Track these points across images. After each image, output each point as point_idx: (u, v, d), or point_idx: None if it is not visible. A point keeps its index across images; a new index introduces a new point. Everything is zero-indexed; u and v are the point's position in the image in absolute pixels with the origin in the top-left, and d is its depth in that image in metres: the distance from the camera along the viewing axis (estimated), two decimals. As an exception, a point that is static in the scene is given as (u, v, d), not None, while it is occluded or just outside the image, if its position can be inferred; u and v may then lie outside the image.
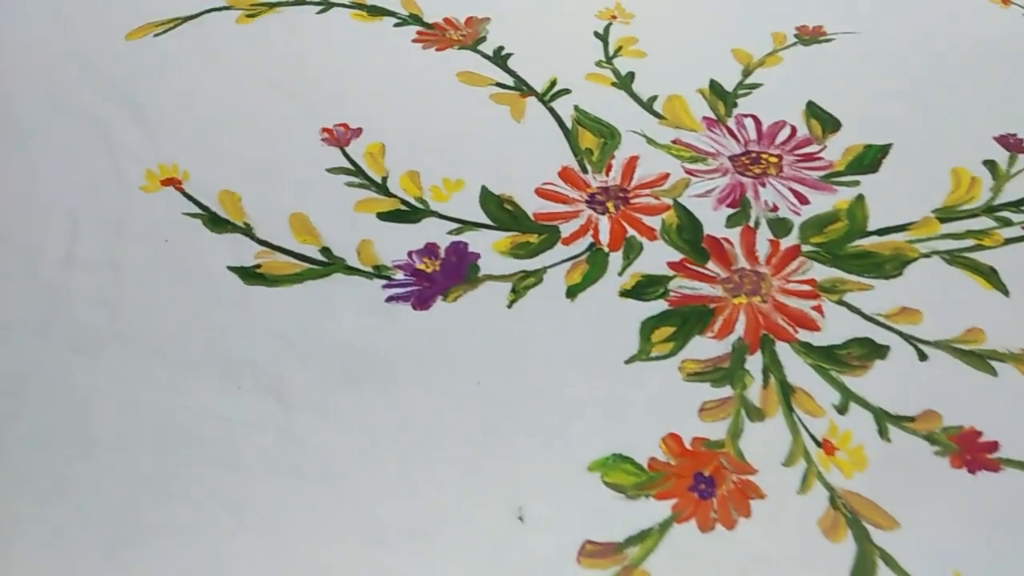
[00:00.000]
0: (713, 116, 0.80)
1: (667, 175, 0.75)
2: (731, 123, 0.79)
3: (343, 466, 0.57)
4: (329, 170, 0.74)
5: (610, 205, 0.72)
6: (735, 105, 0.81)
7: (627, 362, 0.62)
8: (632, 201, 0.73)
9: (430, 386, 0.61)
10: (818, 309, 0.65)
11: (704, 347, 0.63)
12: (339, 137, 0.77)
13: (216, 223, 0.70)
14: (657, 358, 0.62)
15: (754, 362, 0.62)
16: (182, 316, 0.64)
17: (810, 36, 0.88)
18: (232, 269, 0.67)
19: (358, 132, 0.77)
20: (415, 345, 0.63)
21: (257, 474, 0.56)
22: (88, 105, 0.79)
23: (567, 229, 0.70)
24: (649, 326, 0.64)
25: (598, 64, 0.84)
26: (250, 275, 0.67)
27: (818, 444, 0.58)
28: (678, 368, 0.61)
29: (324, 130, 0.77)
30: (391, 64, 0.85)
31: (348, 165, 0.75)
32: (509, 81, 0.83)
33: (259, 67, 0.83)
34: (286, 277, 0.67)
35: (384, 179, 0.74)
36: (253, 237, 0.69)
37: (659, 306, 0.65)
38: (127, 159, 0.75)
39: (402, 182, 0.74)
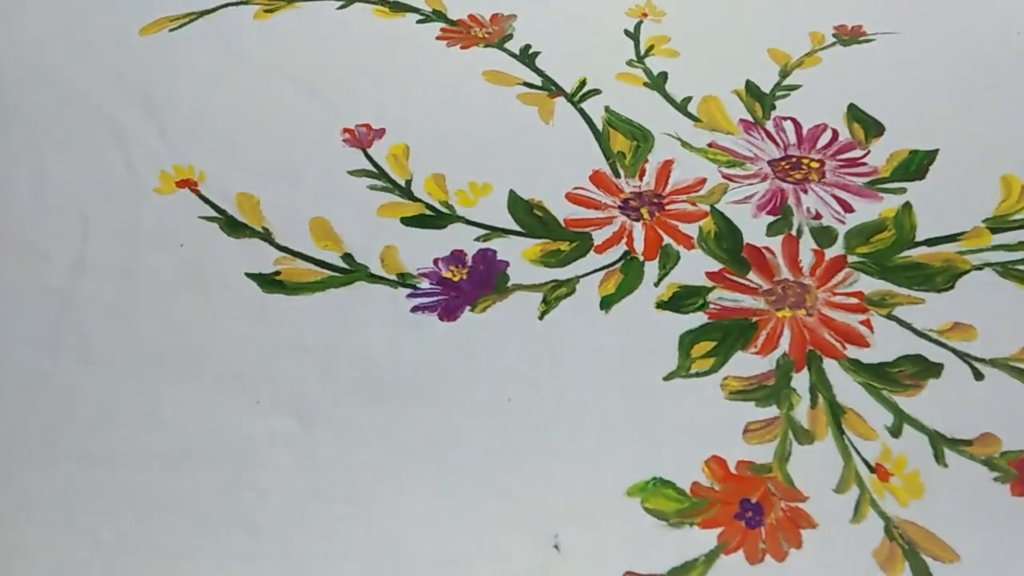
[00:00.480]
0: (750, 119, 0.76)
1: (704, 180, 0.71)
2: (769, 126, 0.75)
3: (367, 489, 0.53)
4: (351, 172, 0.71)
5: (644, 211, 0.69)
6: (773, 107, 0.77)
7: (666, 379, 0.58)
8: (667, 207, 0.69)
9: (458, 403, 0.57)
10: (867, 324, 0.61)
11: (747, 363, 0.59)
12: (361, 138, 0.74)
13: (233, 227, 0.67)
14: (697, 375, 0.59)
15: (800, 380, 0.58)
16: (198, 326, 0.61)
17: (849, 36, 0.84)
18: (250, 276, 0.64)
19: (381, 133, 0.74)
20: (442, 359, 0.60)
21: (276, 496, 0.53)
22: (100, 102, 0.75)
23: (600, 236, 0.67)
24: (688, 340, 0.61)
25: (629, 63, 0.81)
26: (269, 283, 0.64)
27: (871, 469, 0.54)
28: (720, 386, 0.58)
29: (345, 131, 0.74)
30: (414, 62, 0.81)
31: (371, 167, 0.72)
32: (537, 81, 0.79)
33: (278, 64, 0.80)
34: (307, 285, 0.64)
35: (408, 182, 0.71)
36: (272, 242, 0.66)
37: (698, 319, 0.62)
38: (141, 159, 0.71)
39: (427, 185, 0.70)
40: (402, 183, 0.70)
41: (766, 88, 0.78)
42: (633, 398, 0.58)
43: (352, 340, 0.60)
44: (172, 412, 0.56)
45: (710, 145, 0.74)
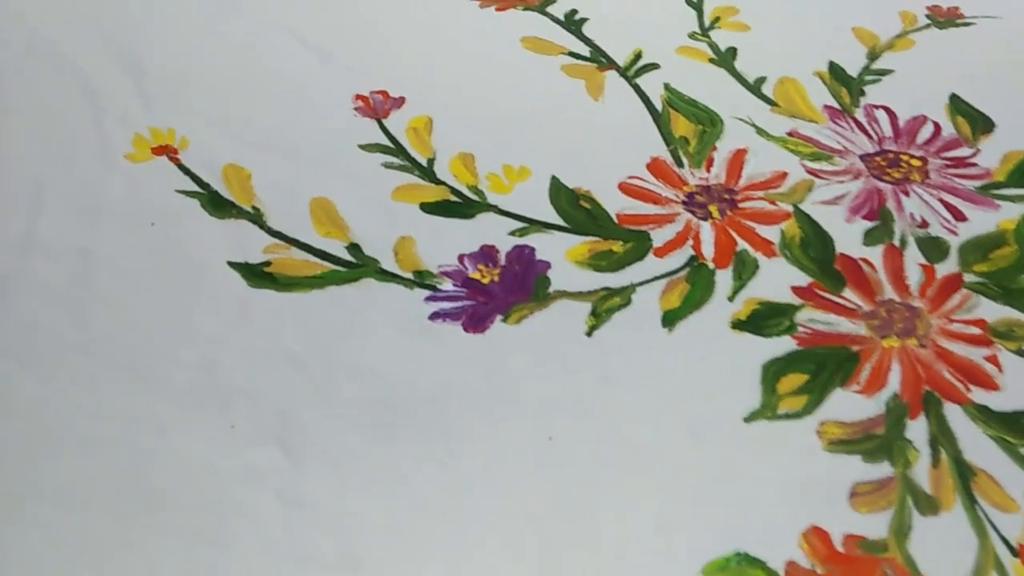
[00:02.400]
0: (836, 105, 0.64)
1: (784, 174, 0.58)
2: (859, 115, 0.63)
3: (367, 548, 0.40)
4: (363, 147, 0.58)
5: (713, 208, 0.56)
6: (862, 93, 0.64)
7: (747, 420, 0.46)
8: (741, 205, 0.57)
9: (485, 439, 0.44)
10: (992, 360, 0.49)
11: (849, 404, 0.46)
12: (376, 107, 0.61)
13: (217, 205, 0.54)
14: (787, 416, 0.46)
15: (917, 429, 0.46)
16: (166, 325, 0.48)
17: (945, 18, 0.71)
18: (234, 266, 0.51)
19: (400, 102, 0.61)
20: (466, 380, 0.47)
21: (250, 555, 0.40)
22: (69, 52, 0.62)
23: (660, 236, 0.54)
24: (773, 371, 0.48)
25: (692, 36, 0.68)
26: (257, 275, 0.51)
27: (1013, 551, 0.42)
28: (816, 432, 0.45)
29: (358, 97, 0.61)
30: (442, 22, 0.67)
31: (386, 141, 0.59)
32: (584, 51, 0.66)
33: (280, 17, 0.66)
34: (302, 280, 0.51)
35: (430, 161, 0.58)
36: (263, 226, 0.53)
37: (785, 344, 0.49)
38: (113, 120, 0.58)
39: (452, 166, 0.58)
40: (423, 162, 0.58)
41: (853, 71, 0.66)
42: (706, 442, 0.45)
43: (354, 352, 0.47)
44: (123, 434, 0.43)
45: (790, 134, 0.61)
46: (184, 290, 0.49)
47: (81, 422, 0.44)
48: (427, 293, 0.50)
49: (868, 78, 0.65)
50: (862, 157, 0.59)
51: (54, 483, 0.42)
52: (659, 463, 0.44)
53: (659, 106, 0.62)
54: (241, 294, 0.49)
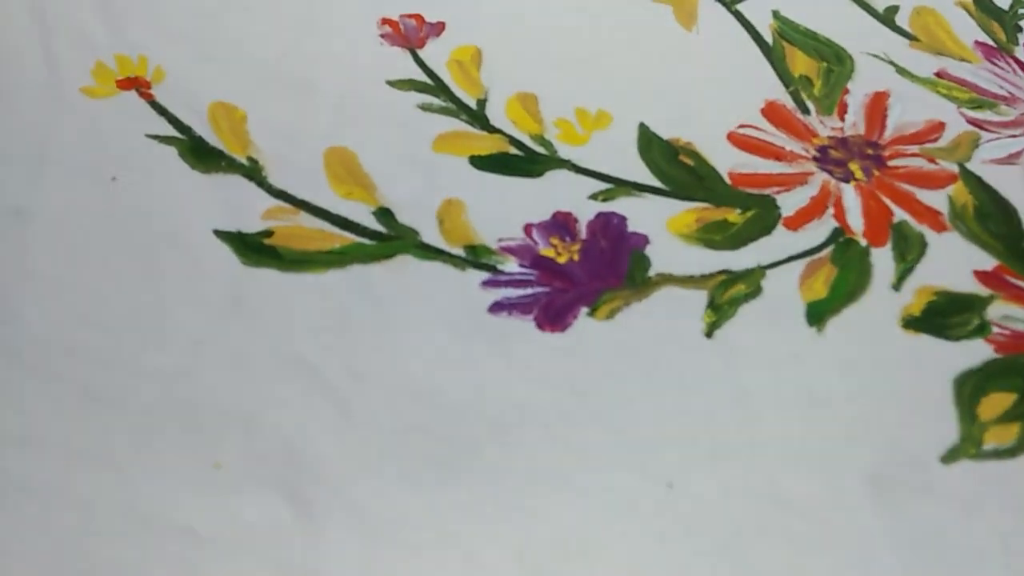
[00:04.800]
0: (990, 42, 0.50)
1: (941, 125, 0.45)
2: (1019, 53, 0.49)
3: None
4: (391, 83, 0.44)
5: (855, 167, 0.42)
6: (1018, 29, 0.51)
7: (945, 460, 0.33)
8: (891, 163, 0.43)
9: (576, 486, 0.31)
10: None
11: (1083, 437, 0.34)
12: (408, 34, 0.47)
13: (202, 155, 0.39)
14: (997, 454, 0.33)
15: None
16: (127, 319, 0.33)
17: (1104, -61, 0.58)
18: (223, 236, 0.37)
19: (438, 28, 0.47)
20: (543, 400, 0.33)
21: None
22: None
23: (790, 203, 0.40)
24: (968, 388, 0.34)
25: (798, -44, 0.55)
26: (254, 248, 0.36)
27: None
28: (1044, 479, 0.33)
29: (385, 21, 0.47)
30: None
31: (422, 77, 0.45)
32: (668, -29, 0.53)
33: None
34: (316, 256, 0.37)
35: (481, 103, 0.44)
36: (262, 183, 0.39)
37: (978, 351, 0.36)
38: (66, 43, 0.43)
39: (510, 110, 0.43)
40: (471, 104, 0.44)
41: (1003, 2, 0.52)
42: (887, 493, 0.32)
43: (388, 358, 0.33)
44: (59, 476, 0.30)
45: (938, 75, 0.47)
46: (154, 270, 0.35)
47: (3, 453, 0.31)
48: (484, 275, 0.36)
49: (1022, 11, 0.52)
50: (1036, 104, 0.46)
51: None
52: (825, 523, 0.31)
53: (769, 39, 0.48)
54: (232, 275, 0.35)
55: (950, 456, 0.31)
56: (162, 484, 0.29)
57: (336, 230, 0.37)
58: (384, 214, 0.38)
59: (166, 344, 0.33)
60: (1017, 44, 0.49)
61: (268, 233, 0.37)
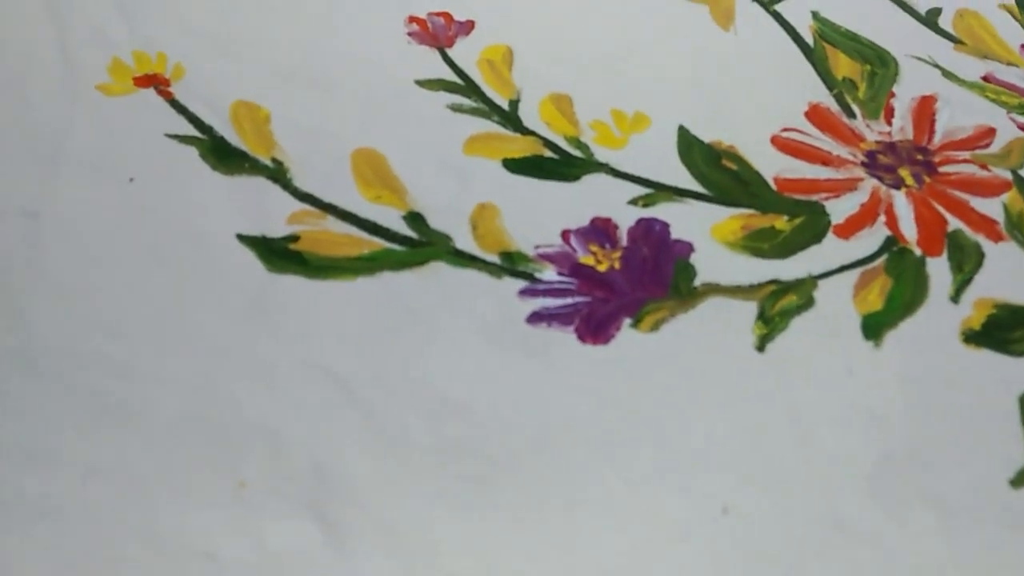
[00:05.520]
0: None
1: (991, 130, 0.43)
2: None
3: None
4: (420, 83, 0.42)
5: (905, 173, 0.40)
6: (1065, 31, 0.49)
7: (1015, 483, 0.31)
8: (941, 169, 0.41)
9: (622, 509, 0.28)
10: None
11: None
12: (437, 32, 0.45)
13: (223, 156, 0.37)
14: None
15: None
16: (145, 328, 0.31)
17: None
18: (246, 241, 0.35)
19: (468, 27, 0.45)
20: (586, 416, 0.30)
21: None
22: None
23: (839, 210, 0.38)
24: (1036, 407, 0.33)
25: (836, -43, 0.53)
26: (279, 254, 0.34)
27: None
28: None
29: (413, 19, 0.45)
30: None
31: (452, 77, 0.43)
32: (702, -30, 0.51)
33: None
34: (343, 263, 0.34)
35: (513, 104, 0.42)
36: (287, 185, 0.37)
37: None
38: (83, 39, 0.41)
39: (543, 111, 0.41)
40: (504, 105, 0.42)
41: None
42: (957, 520, 0.29)
43: (421, 370, 0.31)
44: (73, 493, 0.28)
45: (985, 79, 0.45)
46: (174, 276, 0.33)
47: (11, 472, 0.29)
48: (522, 284, 0.34)
49: (1068, 13, 0.50)
50: (1090, 110, 0.44)
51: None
52: (889, 551, 0.28)
53: (809, 39, 0.46)
54: (256, 282, 0.33)
55: (1019, 479, 0.29)
56: (181, 504, 0.27)
57: (365, 235, 0.35)
58: (415, 219, 0.36)
59: (187, 354, 0.31)
60: (1065, 48, 0.47)
61: (294, 238, 0.35)
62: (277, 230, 0.35)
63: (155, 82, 0.40)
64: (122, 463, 0.28)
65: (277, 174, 0.37)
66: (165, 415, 0.29)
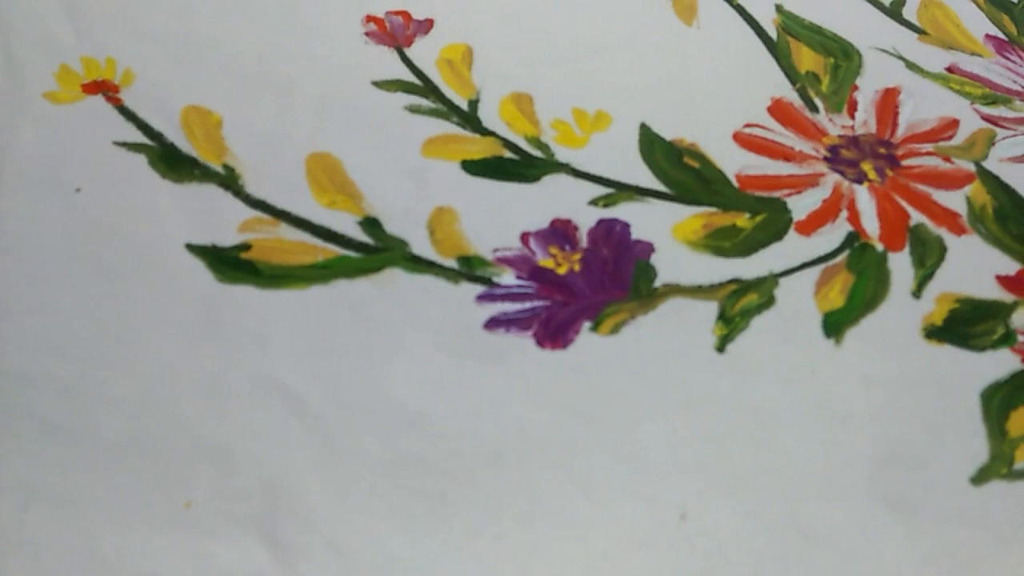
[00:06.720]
0: (1000, 35, 0.47)
1: (955, 122, 0.42)
2: None
3: None
4: (377, 84, 0.41)
5: (868, 167, 0.40)
6: (1030, 20, 0.48)
7: (975, 481, 0.30)
8: (904, 162, 0.41)
9: (582, 519, 0.28)
10: None
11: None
12: (394, 31, 0.44)
13: (173, 163, 0.36)
14: None
15: None
16: (89, 342, 0.30)
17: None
18: (196, 251, 0.33)
19: (426, 26, 0.44)
20: (545, 423, 0.30)
21: None
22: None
23: (801, 206, 0.37)
24: (996, 402, 0.31)
25: (799, -52, 0.52)
26: (229, 263, 0.33)
27: None
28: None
29: (370, 18, 0.44)
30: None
31: (410, 77, 0.42)
32: (664, -36, 0.50)
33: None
34: (297, 271, 0.33)
35: (472, 104, 0.41)
36: (239, 192, 0.35)
37: (1004, 362, 0.33)
38: (28, 45, 0.39)
39: (503, 111, 0.40)
40: (463, 105, 0.41)
41: None
42: (917, 518, 0.29)
43: (376, 382, 0.30)
44: (17, 517, 0.28)
45: (950, 70, 0.45)
46: (121, 288, 0.32)
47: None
48: (479, 289, 0.33)
49: (1032, 1, 0.49)
50: (1053, 99, 0.43)
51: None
52: (851, 554, 0.28)
53: (772, 33, 0.46)
54: (206, 293, 0.32)
55: (980, 477, 0.29)
56: (126, 526, 0.26)
57: (319, 242, 0.34)
58: (371, 224, 0.35)
59: (132, 370, 0.29)
60: (1028, 37, 0.46)
61: (245, 247, 0.33)
62: (228, 239, 0.34)
63: (103, 88, 0.39)
64: (64, 486, 0.27)
65: (228, 181, 0.36)
66: (109, 435, 0.28)
